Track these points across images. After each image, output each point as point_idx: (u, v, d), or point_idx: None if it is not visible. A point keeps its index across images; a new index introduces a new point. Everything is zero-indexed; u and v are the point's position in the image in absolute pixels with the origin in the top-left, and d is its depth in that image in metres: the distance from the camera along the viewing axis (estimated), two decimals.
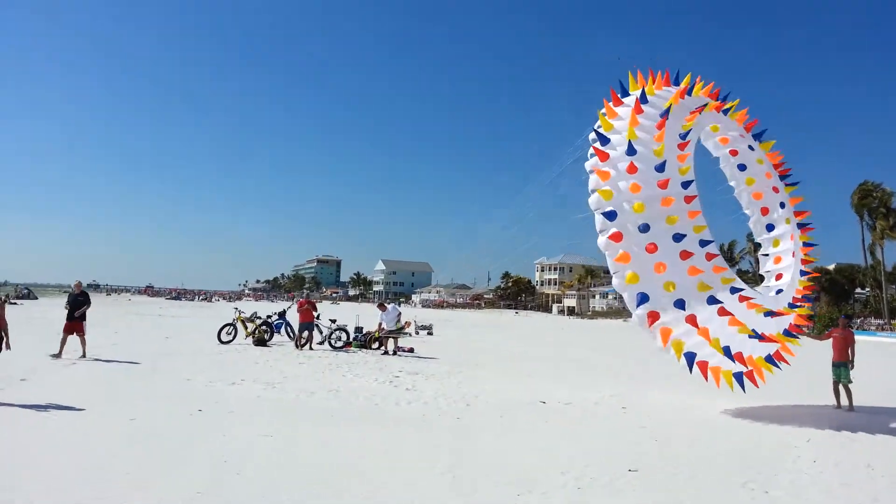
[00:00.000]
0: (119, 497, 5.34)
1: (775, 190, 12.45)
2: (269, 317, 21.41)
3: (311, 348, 18.86)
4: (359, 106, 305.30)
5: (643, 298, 10.04)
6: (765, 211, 12.59)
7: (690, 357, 10.03)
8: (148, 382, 11.64)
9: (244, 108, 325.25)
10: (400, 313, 20.11)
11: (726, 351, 9.65)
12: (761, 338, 9.83)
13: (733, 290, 9.81)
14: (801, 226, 12.33)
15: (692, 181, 10.20)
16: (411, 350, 20.16)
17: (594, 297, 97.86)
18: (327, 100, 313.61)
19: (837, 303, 62.34)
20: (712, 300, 9.59)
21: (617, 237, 10.08)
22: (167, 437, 7.51)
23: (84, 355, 14.41)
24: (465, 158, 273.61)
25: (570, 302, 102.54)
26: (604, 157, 10.33)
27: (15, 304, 43.40)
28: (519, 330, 43.92)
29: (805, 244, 12.20)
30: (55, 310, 39.22)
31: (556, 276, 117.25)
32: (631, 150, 10.05)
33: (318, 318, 20.12)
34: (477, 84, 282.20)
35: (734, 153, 12.43)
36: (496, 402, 11.29)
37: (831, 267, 69.71)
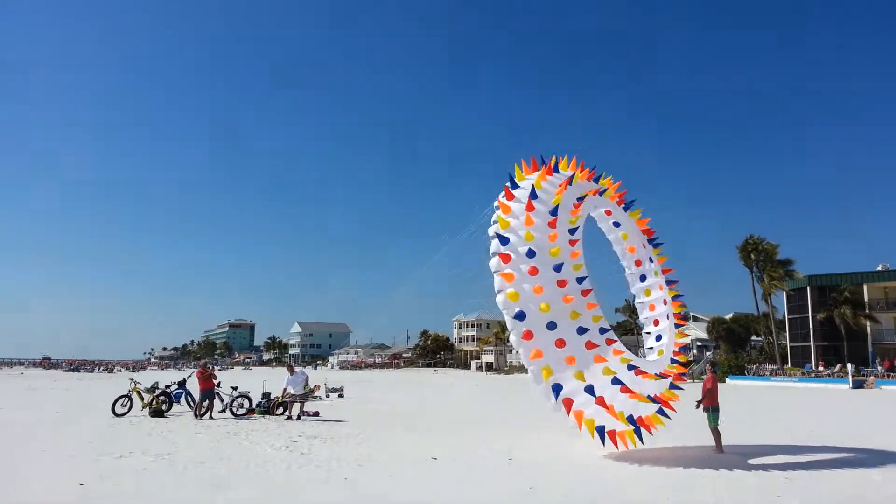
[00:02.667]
0: None
1: (644, 246, 13.72)
2: (167, 386, 20.87)
3: (211, 417, 18.50)
4: (266, 165, 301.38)
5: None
6: (638, 263, 13.83)
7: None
8: (29, 459, 11.25)
9: (142, 172, 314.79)
10: (307, 377, 20.10)
11: (630, 419, 10.87)
12: (655, 401, 11.16)
13: (630, 367, 10.93)
14: (668, 282, 13.53)
15: (586, 277, 11.37)
16: (316, 414, 20.07)
17: (511, 351, 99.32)
18: (230, 156, 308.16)
19: (735, 350, 65.93)
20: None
21: (528, 335, 11.07)
22: None
23: None
24: (382, 218, 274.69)
25: (488, 358, 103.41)
26: (506, 258, 11.29)
27: None
28: (433, 388, 44.09)
29: (674, 298, 13.40)
30: None
31: (474, 333, 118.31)
32: (530, 253, 11.03)
33: (218, 385, 19.80)
34: (385, 141, 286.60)
35: (609, 213, 13.62)
36: (389, 460, 11.58)
37: (729, 316, 73.93)
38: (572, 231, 11.49)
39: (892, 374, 47.51)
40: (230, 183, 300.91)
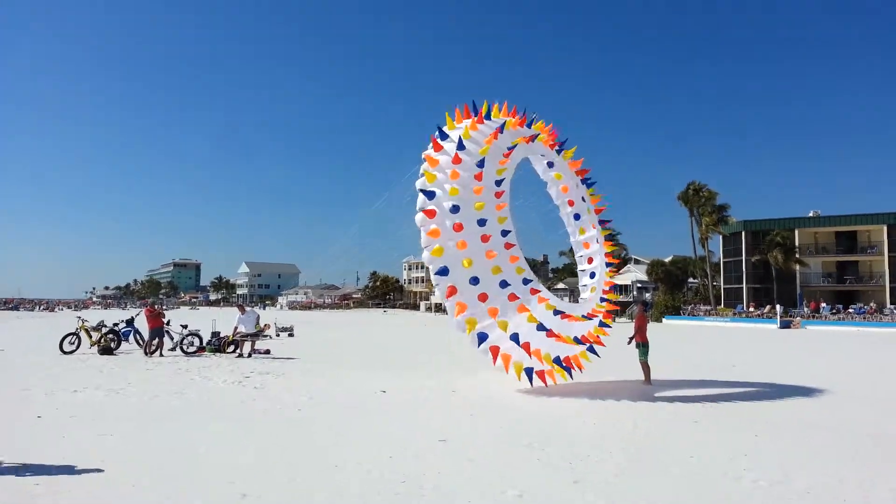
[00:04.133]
0: None
1: (578, 186, 14.06)
2: (115, 325, 20.86)
3: (161, 355, 18.69)
4: (208, 102, 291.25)
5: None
6: (571, 203, 14.24)
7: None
8: None
9: (84, 103, 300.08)
10: (259, 316, 20.37)
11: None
12: (581, 342, 11.41)
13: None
14: (601, 221, 14.07)
15: (510, 230, 11.56)
16: (268, 352, 20.48)
17: None
18: (173, 94, 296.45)
19: (672, 291, 68.77)
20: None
21: (431, 214, 11.40)
22: (4, 440, 7.67)
23: None
24: (329, 154, 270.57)
25: (437, 299, 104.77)
26: (431, 214, 11.49)
27: None
28: (382, 328, 44.93)
29: (606, 238, 14.02)
30: None
31: (423, 275, 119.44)
32: (454, 209, 11.20)
33: (168, 323, 19.94)
34: (335, 80, 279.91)
35: (542, 154, 13.90)
36: (339, 394, 12.15)
37: (668, 259, 76.71)
38: (499, 182, 11.62)
39: (817, 314, 50.67)
40: (174, 116, 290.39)
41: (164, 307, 73.70)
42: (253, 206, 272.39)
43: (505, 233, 11.42)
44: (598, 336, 12.39)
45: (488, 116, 12.30)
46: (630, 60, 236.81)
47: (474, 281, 11.16)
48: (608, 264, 13.82)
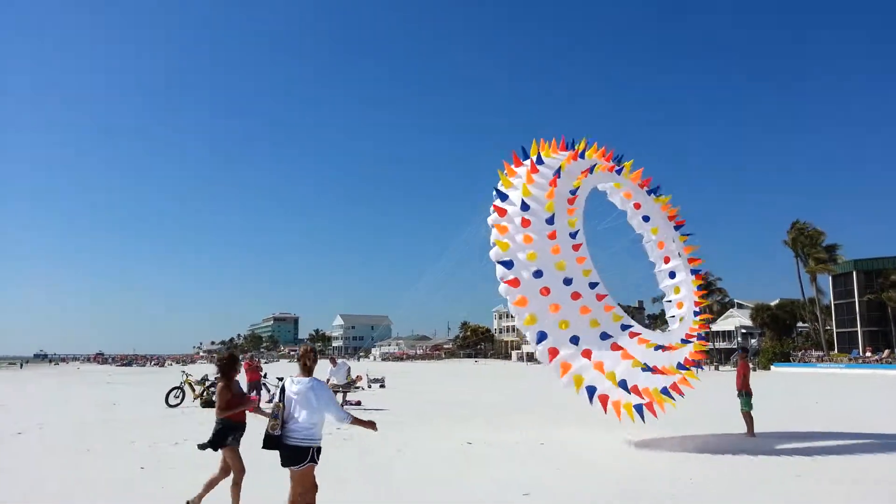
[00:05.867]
0: None
1: (674, 241, 13.63)
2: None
3: (258, 407, 19.32)
4: (310, 161, 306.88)
5: (542, 336, 11.18)
6: (667, 259, 13.82)
7: (591, 390, 11.05)
8: (93, 443, 12.16)
9: (197, 167, 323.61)
10: (349, 368, 20.83)
11: (622, 384, 10.64)
12: (653, 370, 10.72)
13: (623, 327, 10.94)
14: (694, 272, 13.50)
15: (579, 231, 11.47)
16: (358, 403, 20.81)
17: None
18: (278, 155, 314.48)
19: (780, 337, 64.72)
20: (605, 336, 10.71)
21: (515, 283, 11.25)
22: (108, 490, 8.16)
23: None
24: (423, 206, 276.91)
25: (528, 348, 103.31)
26: (502, 212, 11.59)
27: None
28: (471, 379, 44.68)
29: (698, 287, 13.42)
30: None
31: (515, 323, 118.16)
32: (524, 206, 11.27)
33: (265, 376, 20.69)
34: (425, 129, 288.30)
35: (638, 206, 13.66)
36: (426, 445, 12.15)
37: (774, 303, 72.49)
38: (572, 191, 11.58)
39: None
40: (274, 181, 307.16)
41: (264, 360, 76.47)
42: (348, 258, 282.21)
43: (573, 234, 11.26)
44: (671, 373, 11.43)
45: (572, 147, 12.62)
46: (730, 96, 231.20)
47: (537, 274, 10.98)
48: (696, 313, 13.04)
